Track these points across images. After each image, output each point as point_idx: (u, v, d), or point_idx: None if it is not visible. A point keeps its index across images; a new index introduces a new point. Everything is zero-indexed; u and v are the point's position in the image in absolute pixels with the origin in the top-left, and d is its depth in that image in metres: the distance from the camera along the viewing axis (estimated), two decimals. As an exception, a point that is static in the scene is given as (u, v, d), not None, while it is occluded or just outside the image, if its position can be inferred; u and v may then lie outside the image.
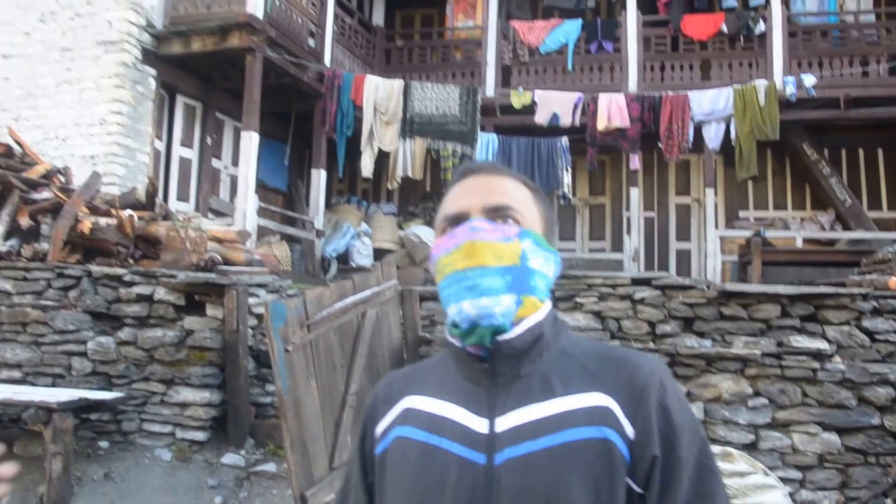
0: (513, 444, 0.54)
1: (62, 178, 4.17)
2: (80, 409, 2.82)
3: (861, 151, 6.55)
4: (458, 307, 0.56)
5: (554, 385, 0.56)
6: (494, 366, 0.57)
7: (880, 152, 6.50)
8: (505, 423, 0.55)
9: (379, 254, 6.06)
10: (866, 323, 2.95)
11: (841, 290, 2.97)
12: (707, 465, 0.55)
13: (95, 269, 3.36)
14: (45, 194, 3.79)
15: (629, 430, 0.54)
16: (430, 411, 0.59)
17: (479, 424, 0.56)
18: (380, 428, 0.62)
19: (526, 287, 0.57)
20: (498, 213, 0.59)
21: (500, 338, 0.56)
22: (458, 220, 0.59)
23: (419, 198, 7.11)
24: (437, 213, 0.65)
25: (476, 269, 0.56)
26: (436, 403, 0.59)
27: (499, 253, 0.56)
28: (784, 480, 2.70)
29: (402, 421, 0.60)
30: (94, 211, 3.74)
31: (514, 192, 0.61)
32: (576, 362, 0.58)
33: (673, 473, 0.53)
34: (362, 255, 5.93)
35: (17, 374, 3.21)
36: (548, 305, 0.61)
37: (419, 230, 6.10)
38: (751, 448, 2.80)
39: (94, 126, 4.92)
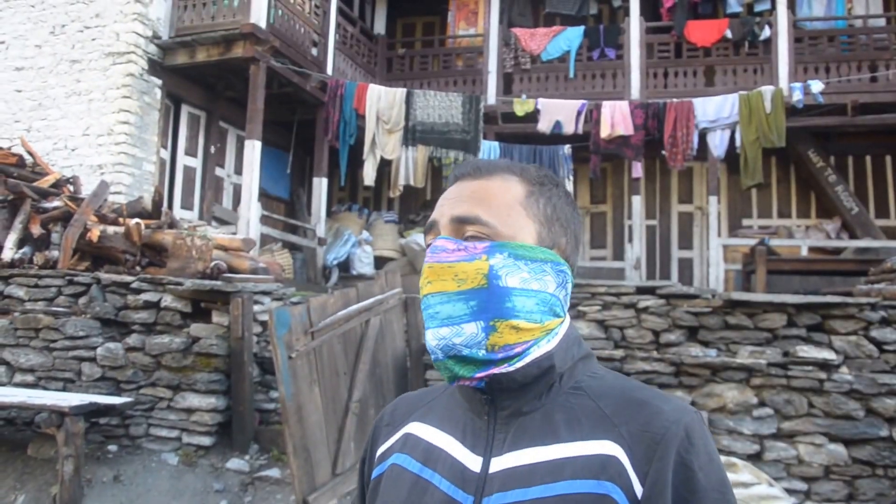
0: (502, 489, 0.48)
1: (72, 188, 4.25)
2: (91, 413, 2.87)
3: (868, 158, 6.48)
4: (426, 334, 0.52)
5: (559, 427, 0.50)
6: (495, 398, 0.52)
7: (888, 159, 6.43)
8: (500, 464, 0.50)
9: (380, 262, 6.09)
10: (874, 333, 2.92)
11: (848, 300, 2.94)
12: None
13: (104, 276, 3.43)
14: (55, 203, 3.87)
15: (637, 487, 0.46)
16: (429, 441, 0.55)
17: (473, 462, 0.51)
18: (380, 451, 0.59)
19: (498, 311, 0.49)
20: (462, 227, 0.52)
21: (499, 370, 0.50)
22: (430, 229, 0.54)
23: (420, 206, 7.14)
24: None
25: (436, 295, 0.50)
26: (436, 434, 0.55)
27: (461, 274, 0.50)
28: (789, 492, 2.67)
29: (401, 448, 0.57)
30: (103, 219, 3.81)
31: (493, 196, 0.52)
32: (590, 402, 0.51)
33: None
34: (363, 263, 5.96)
35: (30, 378, 3.28)
36: (562, 331, 0.53)
37: (420, 238, 6.12)
38: (755, 459, 2.78)
39: (102, 136, 5.02)
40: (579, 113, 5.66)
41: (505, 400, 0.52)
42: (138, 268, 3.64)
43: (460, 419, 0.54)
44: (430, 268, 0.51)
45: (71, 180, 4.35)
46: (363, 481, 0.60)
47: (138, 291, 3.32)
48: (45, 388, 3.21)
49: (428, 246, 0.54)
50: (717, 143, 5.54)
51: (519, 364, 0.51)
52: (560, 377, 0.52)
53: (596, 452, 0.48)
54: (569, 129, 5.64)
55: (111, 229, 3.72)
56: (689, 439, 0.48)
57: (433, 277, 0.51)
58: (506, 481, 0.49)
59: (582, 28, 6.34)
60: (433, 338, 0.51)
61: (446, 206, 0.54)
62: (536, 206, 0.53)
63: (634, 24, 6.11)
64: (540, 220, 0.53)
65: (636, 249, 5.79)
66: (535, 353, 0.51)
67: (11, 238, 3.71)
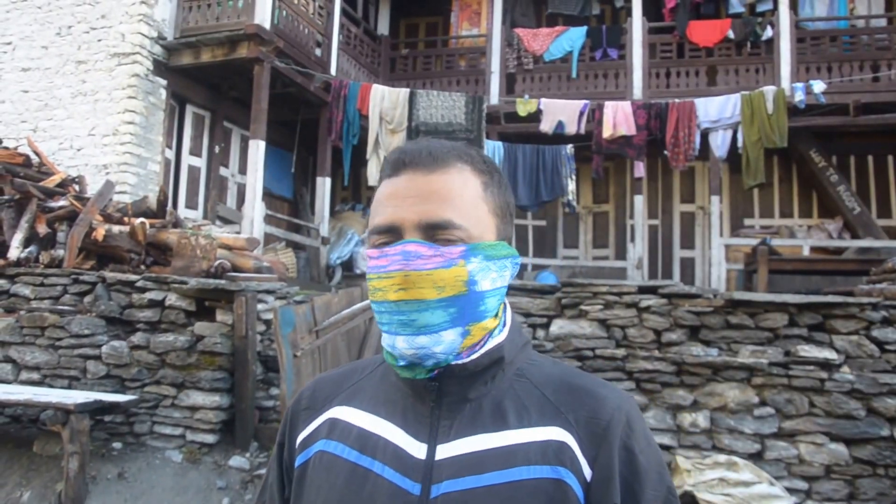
0: (454, 476, 0.48)
1: (77, 187, 4.29)
2: (95, 410, 2.88)
3: (870, 158, 6.48)
4: (393, 341, 0.49)
5: (507, 414, 0.50)
6: (441, 385, 0.50)
7: (890, 159, 6.43)
8: (447, 451, 0.49)
9: (384, 260, 6.10)
10: (876, 333, 2.91)
11: (850, 300, 2.94)
12: None
13: (109, 275, 3.45)
14: (61, 203, 3.90)
15: (586, 472, 0.48)
16: (362, 427, 0.52)
17: (416, 449, 0.50)
18: (301, 437, 0.55)
19: (474, 315, 0.49)
20: (437, 233, 0.49)
21: (455, 361, 0.50)
22: (391, 233, 0.49)
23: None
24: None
25: (412, 302, 0.47)
26: (369, 419, 0.52)
27: (439, 282, 0.47)
28: (790, 491, 2.68)
29: (328, 434, 0.53)
30: (108, 219, 3.84)
31: (459, 195, 0.50)
32: (534, 388, 0.51)
33: None
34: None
35: (35, 375, 3.31)
36: (508, 320, 0.53)
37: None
38: (756, 458, 2.79)
39: (107, 136, 5.06)
40: (581, 113, 5.68)
41: (451, 386, 0.50)
42: (143, 267, 3.67)
43: (398, 403, 0.52)
44: (407, 277, 0.47)
45: (76, 180, 4.39)
46: (282, 468, 0.56)
47: (143, 290, 3.34)
48: (50, 386, 3.23)
49: (380, 245, 0.49)
50: (719, 143, 5.55)
51: (474, 356, 0.51)
52: (505, 366, 0.52)
53: (547, 439, 0.49)
54: (571, 129, 5.66)
55: (116, 228, 3.74)
56: (630, 425, 0.50)
57: (408, 285, 0.47)
58: (456, 468, 0.48)
59: (584, 28, 6.36)
60: (409, 347, 0.48)
61: (407, 208, 0.49)
62: (493, 199, 0.52)
63: (637, 25, 6.12)
64: (497, 214, 0.52)
65: (638, 249, 5.80)
66: (490, 343, 0.52)
67: (18, 237, 3.75)
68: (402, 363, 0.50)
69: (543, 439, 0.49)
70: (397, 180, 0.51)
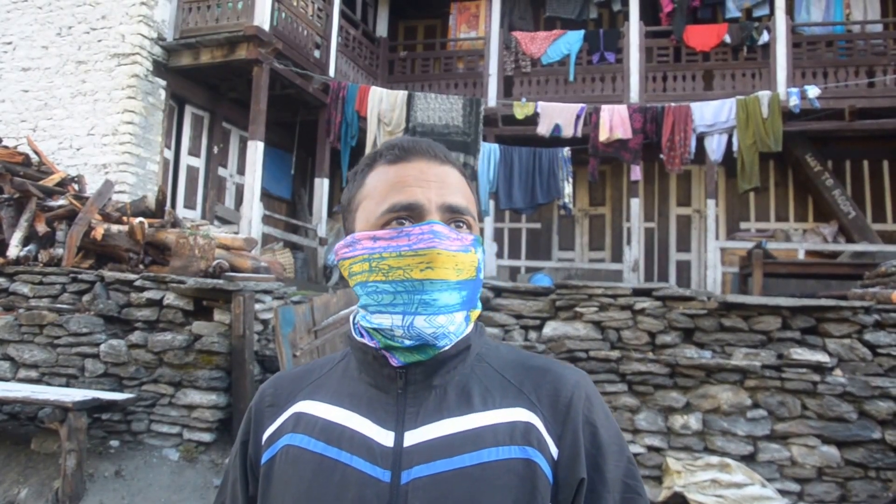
0: (423, 461, 0.48)
1: (76, 187, 4.30)
2: (93, 408, 2.90)
3: (866, 163, 6.53)
4: (409, 321, 0.49)
5: (472, 397, 0.51)
6: (408, 373, 0.51)
7: (885, 164, 6.48)
8: (415, 437, 0.49)
9: (381, 261, 6.11)
10: (868, 336, 2.95)
11: (843, 303, 2.97)
12: (633, 486, 0.51)
13: (108, 274, 3.46)
14: (60, 202, 3.92)
15: (553, 450, 0.50)
16: (328, 419, 0.52)
17: (383, 437, 0.50)
18: (267, 434, 0.55)
19: (473, 302, 0.52)
20: (455, 217, 0.51)
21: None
22: (410, 211, 0.50)
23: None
24: (356, 189, 0.53)
25: (437, 282, 0.48)
26: (333, 411, 0.52)
27: (459, 265, 0.50)
28: (782, 493, 2.71)
29: (293, 428, 0.53)
30: (107, 218, 3.85)
31: (462, 186, 0.53)
32: (494, 372, 0.53)
33: (598, 497, 0.49)
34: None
35: (34, 373, 3.32)
36: (472, 311, 0.54)
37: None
38: (749, 460, 2.81)
39: (106, 136, 5.08)
40: (578, 116, 5.71)
41: (417, 375, 0.51)
42: (141, 266, 3.68)
43: (361, 394, 0.53)
44: (439, 254, 0.49)
45: (76, 179, 4.41)
46: (246, 466, 0.56)
47: (141, 289, 3.35)
48: (48, 384, 3.24)
49: (397, 220, 0.50)
50: (715, 147, 5.58)
51: (449, 346, 0.52)
52: (469, 354, 0.53)
53: (513, 420, 0.50)
54: (568, 132, 5.70)
55: (115, 228, 3.76)
56: (590, 399, 0.52)
57: (437, 264, 0.49)
58: (426, 453, 0.49)
59: (582, 32, 6.40)
60: (429, 326, 0.49)
61: (432, 190, 0.51)
62: (472, 193, 0.56)
63: (634, 29, 6.16)
64: (476, 207, 0.55)
65: (634, 251, 5.83)
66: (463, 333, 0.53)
67: (17, 236, 3.76)
68: (408, 343, 0.49)
69: (510, 420, 0.50)
70: (409, 165, 0.52)
